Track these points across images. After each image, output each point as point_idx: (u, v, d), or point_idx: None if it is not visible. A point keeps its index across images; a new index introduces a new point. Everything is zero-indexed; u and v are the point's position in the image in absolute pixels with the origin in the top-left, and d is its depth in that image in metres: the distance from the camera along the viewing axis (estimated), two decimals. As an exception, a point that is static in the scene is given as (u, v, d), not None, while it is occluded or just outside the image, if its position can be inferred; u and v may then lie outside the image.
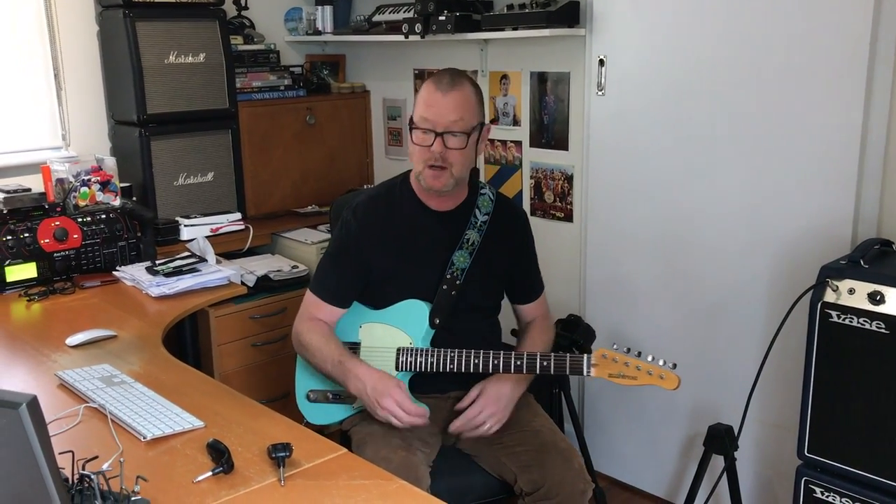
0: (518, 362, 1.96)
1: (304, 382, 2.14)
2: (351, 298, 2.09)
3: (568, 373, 1.98)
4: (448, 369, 1.99)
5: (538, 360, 1.96)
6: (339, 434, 2.13)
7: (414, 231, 2.08)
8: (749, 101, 2.46)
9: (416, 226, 2.08)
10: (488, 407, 2.00)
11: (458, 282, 2.05)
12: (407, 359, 2.02)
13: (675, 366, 1.88)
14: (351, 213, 2.10)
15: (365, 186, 3.72)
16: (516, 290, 2.23)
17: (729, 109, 2.51)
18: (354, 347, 2.07)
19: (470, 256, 2.07)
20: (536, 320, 2.24)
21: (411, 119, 2.00)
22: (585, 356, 1.93)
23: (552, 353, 1.96)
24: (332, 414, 2.11)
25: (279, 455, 1.47)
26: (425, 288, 2.06)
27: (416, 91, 2.04)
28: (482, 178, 3.35)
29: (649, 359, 1.89)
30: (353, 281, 2.08)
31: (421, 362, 2.01)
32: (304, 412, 2.14)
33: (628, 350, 1.91)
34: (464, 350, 1.99)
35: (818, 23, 2.28)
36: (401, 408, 1.88)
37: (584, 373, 1.92)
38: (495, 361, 1.97)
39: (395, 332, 2.05)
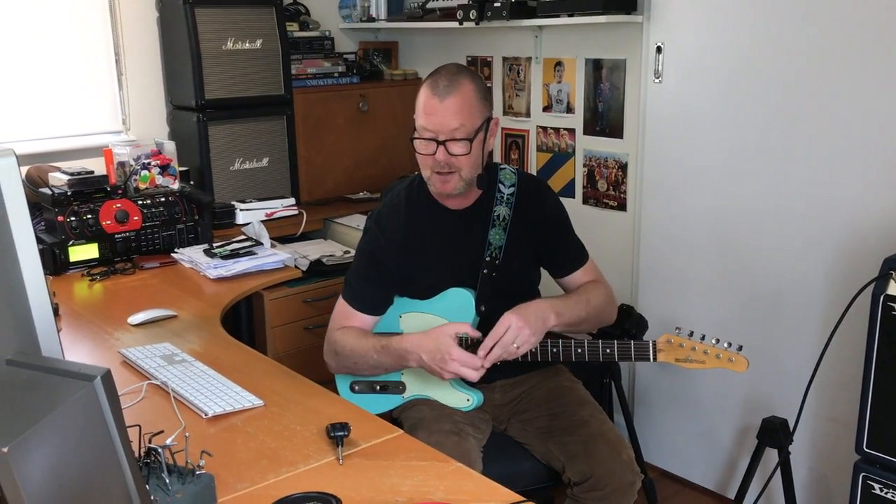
0: (579, 350, 1.92)
1: (345, 377, 2.14)
2: (385, 306, 2.05)
3: (633, 359, 1.93)
4: (502, 359, 1.98)
5: (600, 347, 1.92)
6: (388, 419, 2.14)
7: (439, 233, 2.05)
8: (811, 91, 2.41)
9: (440, 228, 2.05)
10: (511, 325, 1.83)
11: (497, 261, 2.02)
12: None
13: (740, 348, 1.86)
14: (373, 222, 2.09)
15: (415, 173, 3.72)
16: (557, 262, 2.11)
17: (790, 99, 2.46)
18: None
19: (504, 232, 2.03)
20: (587, 283, 2.11)
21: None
22: (651, 342, 1.90)
23: (615, 341, 1.93)
24: (380, 405, 2.09)
25: (338, 434, 1.49)
26: (466, 277, 2.04)
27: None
28: (534, 167, 3.34)
29: (714, 341, 1.86)
30: (384, 290, 2.05)
31: (473, 351, 2.00)
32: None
33: (691, 334, 1.88)
34: None
35: (883, 11, 2.22)
36: (465, 366, 1.80)
37: (650, 359, 1.89)
38: (554, 350, 1.94)
39: (438, 322, 2.02)
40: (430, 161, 1.92)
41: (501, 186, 2.06)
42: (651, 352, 1.90)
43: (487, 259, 2.02)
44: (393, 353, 1.91)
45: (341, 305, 2.06)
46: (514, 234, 2.04)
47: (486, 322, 2.03)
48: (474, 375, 1.81)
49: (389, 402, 2.10)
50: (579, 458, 1.92)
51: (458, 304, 2.03)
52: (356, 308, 2.03)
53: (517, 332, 1.82)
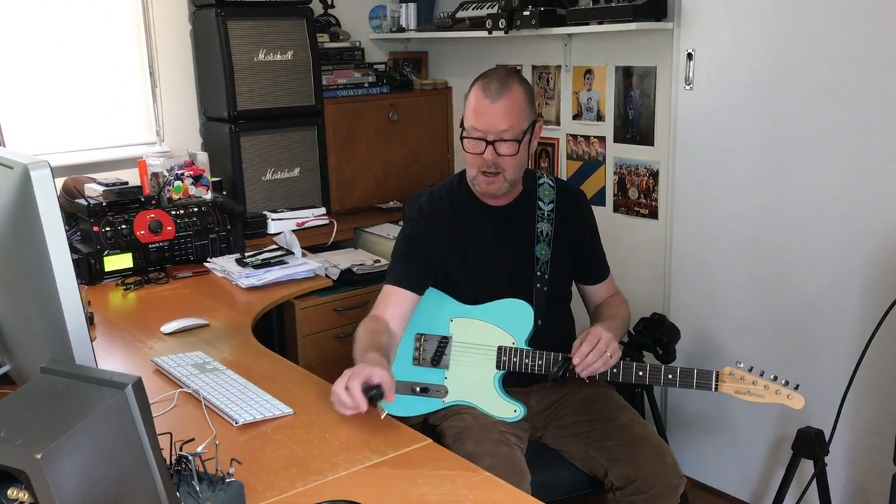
0: (640, 373, 1.94)
1: None
2: (422, 286, 2.07)
3: (694, 388, 1.92)
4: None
5: (662, 372, 1.93)
6: (423, 427, 2.14)
7: (478, 228, 2.10)
8: (843, 95, 2.37)
9: (479, 223, 2.10)
10: (602, 336, 1.91)
11: (546, 276, 2.07)
12: (510, 358, 2.02)
13: (797, 387, 1.86)
14: (416, 211, 2.13)
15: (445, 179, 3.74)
16: (586, 271, 2.20)
17: (823, 104, 2.43)
18: (445, 341, 2.08)
19: (549, 248, 2.08)
20: (611, 297, 2.22)
21: (462, 124, 2.01)
22: (714, 372, 1.90)
23: (678, 367, 1.93)
24: (415, 407, 2.10)
25: (372, 394, 1.61)
26: (515, 287, 2.07)
27: (468, 91, 2.04)
28: (564, 174, 3.33)
29: (772, 377, 1.87)
30: (424, 269, 2.07)
31: (527, 363, 2.01)
32: (384, 404, 2.13)
33: (751, 369, 1.89)
34: None
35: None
36: (341, 403, 1.61)
37: (713, 389, 1.90)
38: (614, 370, 1.95)
39: (492, 330, 2.06)
40: (478, 161, 1.97)
41: (541, 203, 2.11)
42: (714, 382, 1.90)
43: (538, 274, 2.07)
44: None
45: (382, 289, 2.07)
46: (557, 248, 2.10)
47: (538, 336, 2.06)
48: (344, 401, 1.60)
49: (428, 405, 2.10)
50: (623, 462, 1.92)
51: (517, 314, 2.06)
52: (393, 283, 2.04)
53: (609, 341, 1.91)
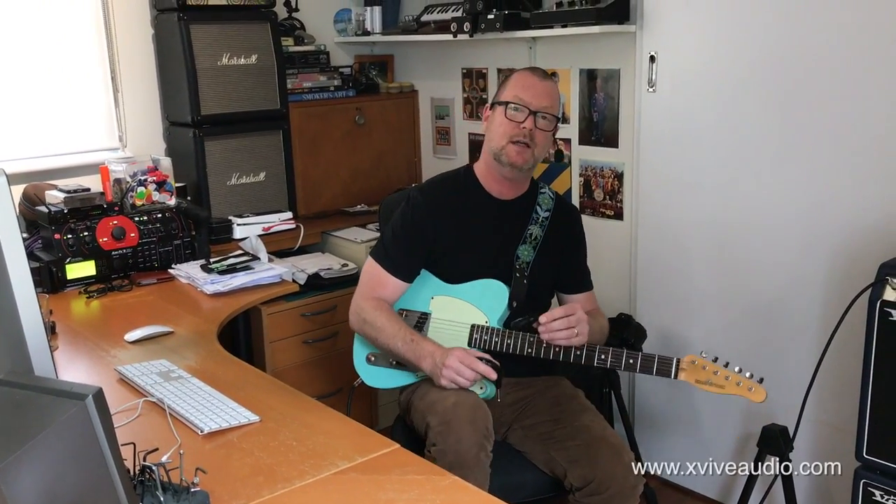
0: (602, 356, 1.97)
1: (365, 345, 2.18)
2: (415, 274, 2.15)
3: (654, 374, 1.93)
4: (525, 353, 2.01)
5: (624, 356, 1.95)
6: (397, 406, 2.19)
7: (477, 215, 2.16)
8: (805, 97, 2.41)
9: (480, 210, 2.17)
10: (576, 315, 1.97)
11: (525, 274, 2.12)
12: (482, 336, 2.06)
13: (762, 380, 1.86)
14: (418, 191, 2.20)
15: (412, 185, 3.73)
16: (568, 281, 2.26)
17: (785, 105, 2.47)
18: (424, 318, 2.12)
19: (534, 251, 2.15)
20: (595, 312, 2.25)
21: (497, 100, 2.14)
22: (675, 360, 1.91)
23: (640, 352, 1.95)
24: (392, 379, 2.14)
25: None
26: (498, 273, 2.13)
27: (502, 82, 2.23)
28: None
29: (736, 369, 1.87)
30: (418, 256, 2.14)
31: (496, 342, 2.04)
32: (362, 374, 2.19)
33: (716, 359, 1.89)
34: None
35: (877, 16, 2.23)
36: (463, 363, 1.92)
37: (672, 376, 1.91)
38: (577, 352, 1.98)
39: (469, 309, 2.10)
40: (515, 130, 2.07)
41: (538, 209, 2.19)
42: (673, 369, 1.91)
43: (517, 267, 2.12)
44: (416, 350, 2.00)
45: (373, 267, 2.14)
46: (542, 254, 2.16)
47: (513, 319, 2.10)
48: (468, 374, 1.93)
49: (404, 378, 2.13)
50: (581, 463, 1.94)
51: (492, 294, 2.10)
52: (390, 271, 2.11)
53: (581, 321, 1.96)
